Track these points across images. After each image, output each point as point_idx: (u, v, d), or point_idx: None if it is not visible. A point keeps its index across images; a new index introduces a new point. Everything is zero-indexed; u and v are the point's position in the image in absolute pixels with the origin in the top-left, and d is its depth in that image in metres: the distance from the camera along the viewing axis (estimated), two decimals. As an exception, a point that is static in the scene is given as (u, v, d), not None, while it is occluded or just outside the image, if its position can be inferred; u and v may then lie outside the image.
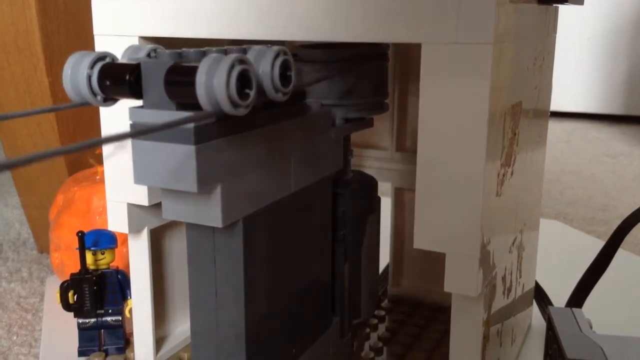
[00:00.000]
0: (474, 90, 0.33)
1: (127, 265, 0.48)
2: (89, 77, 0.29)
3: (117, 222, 0.44)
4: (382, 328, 0.53)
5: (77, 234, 0.49)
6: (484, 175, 0.34)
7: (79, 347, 0.51)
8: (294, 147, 0.36)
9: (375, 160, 0.59)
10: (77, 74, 0.29)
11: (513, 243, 0.45)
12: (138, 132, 0.23)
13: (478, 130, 0.33)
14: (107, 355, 0.49)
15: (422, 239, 0.36)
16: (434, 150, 0.35)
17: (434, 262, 0.56)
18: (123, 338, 0.51)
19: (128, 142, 0.33)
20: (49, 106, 0.69)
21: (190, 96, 0.26)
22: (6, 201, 1.07)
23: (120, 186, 0.44)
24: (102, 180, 0.64)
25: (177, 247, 0.50)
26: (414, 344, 0.50)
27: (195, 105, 0.27)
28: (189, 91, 0.26)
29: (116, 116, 0.42)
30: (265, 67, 0.28)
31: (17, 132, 0.73)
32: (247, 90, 0.27)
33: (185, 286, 0.51)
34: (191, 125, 0.28)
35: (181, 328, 0.52)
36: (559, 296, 0.57)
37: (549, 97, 0.54)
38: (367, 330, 0.52)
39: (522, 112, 0.42)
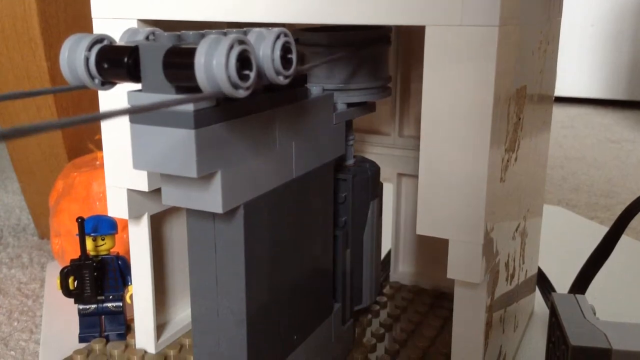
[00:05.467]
0: (479, 73, 0.32)
1: (128, 251, 0.47)
2: (87, 60, 0.29)
3: (117, 208, 0.44)
4: (383, 314, 0.53)
5: (77, 220, 0.49)
6: (488, 161, 0.33)
7: (79, 333, 0.51)
8: (295, 132, 0.35)
9: (377, 146, 0.58)
10: (74, 56, 0.29)
11: (516, 229, 0.45)
12: (136, 110, 0.23)
13: (483, 115, 0.33)
14: (108, 341, 0.49)
15: (425, 225, 0.36)
16: (437, 135, 0.34)
17: (437, 248, 0.56)
18: (124, 324, 0.51)
19: (127, 128, 0.32)
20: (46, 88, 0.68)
21: (190, 78, 0.26)
22: (6, 187, 1.07)
23: (120, 172, 0.43)
24: (102, 166, 0.63)
25: (178, 233, 0.50)
26: (416, 331, 0.50)
27: (195, 89, 0.26)
28: (188, 73, 0.26)
29: (115, 102, 0.42)
30: (265, 50, 0.28)
31: (17, 117, 0.73)
32: (246, 72, 0.26)
33: (186, 272, 0.51)
34: (191, 109, 0.27)
35: (182, 314, 0.51)
36: (562, 282, 0.57)
37: (554, 81, 0.53)
38: (369, 316, 0.52)
39: (526, 97, 0.41)
